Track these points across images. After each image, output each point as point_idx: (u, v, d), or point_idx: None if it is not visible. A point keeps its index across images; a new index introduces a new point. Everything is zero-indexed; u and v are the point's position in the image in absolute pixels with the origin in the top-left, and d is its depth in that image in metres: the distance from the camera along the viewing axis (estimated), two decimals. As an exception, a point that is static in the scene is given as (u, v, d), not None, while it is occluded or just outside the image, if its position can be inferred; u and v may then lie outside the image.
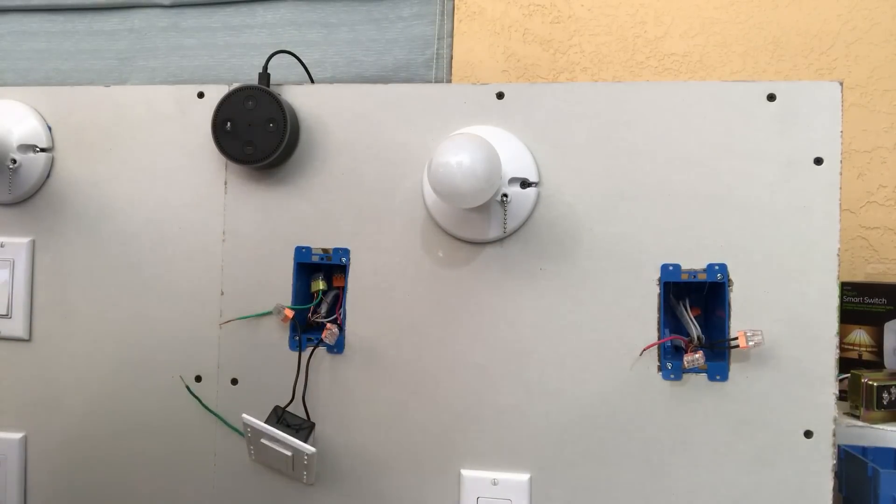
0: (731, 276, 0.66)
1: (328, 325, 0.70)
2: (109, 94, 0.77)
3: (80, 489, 0.76)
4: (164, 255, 0.73)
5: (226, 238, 0.74)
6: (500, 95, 0.70)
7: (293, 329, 0.72)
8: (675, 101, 0.68)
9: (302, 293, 0.73)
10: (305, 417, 0.70)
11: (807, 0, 1.08)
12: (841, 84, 0.65)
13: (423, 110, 0.71)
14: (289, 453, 0.67)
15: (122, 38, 1.10)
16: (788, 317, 0.65)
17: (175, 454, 0.74)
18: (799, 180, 0.66)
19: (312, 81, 0.85)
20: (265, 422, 0.67)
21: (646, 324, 0.67)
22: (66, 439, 0.75)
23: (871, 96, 1.06)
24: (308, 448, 0.66)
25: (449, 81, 1.04)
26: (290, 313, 0.70)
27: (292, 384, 0.70)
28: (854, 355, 0.96)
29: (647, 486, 0.67)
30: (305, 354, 0.71)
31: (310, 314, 0.73)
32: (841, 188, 0.65)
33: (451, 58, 1.05)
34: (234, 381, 0.73)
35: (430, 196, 0.69)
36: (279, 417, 0.69)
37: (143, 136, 0.76)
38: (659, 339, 0.67)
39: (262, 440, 0.67)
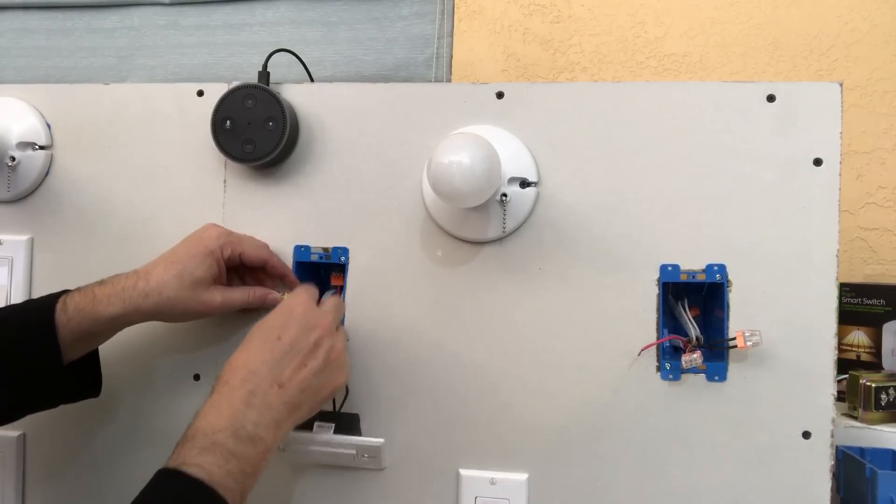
0: (730, 277, 0.66)
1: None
2: (109, 92, 0.77)
3: (78, 489, 0.76)
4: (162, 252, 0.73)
5: (225, 236, 0.74)
6: (499, 95, 0.70)
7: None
8: (674, 101, 0.68)
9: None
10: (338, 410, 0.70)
11: (807, 1, 1.08)
12: (840, 85, 0.65)
13: (423, 109, 0.71)
14: (352, 451, 0.68)
15: (122, 36, 1.10)
16: (787, 317, 0.65)
17: (173, 452, 0.74)
18: (798, 181, 0.66)
19: (312, 80, 0.85)
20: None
21: (644, 324, 0.67)
22: (64, 438, 0.75)
23: (871, 97, 1.06)
24: (376, 441, 0.67)
25: (449, 81, 1.04)
26: None
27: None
28: (852, 356, 0.96)
29: (644, 485, 0.67)
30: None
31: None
32: (840, 189, 0.65)
33: (451, 57, 1.05)
34: (233, 380, 0.73)
35: (429, 195, 0.69)
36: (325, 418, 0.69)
37: (142, 134, 0.76)
38: (657, 339, 0.67)
39: (316, 447, 0.68)
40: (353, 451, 0.68)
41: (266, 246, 0.71)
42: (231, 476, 0.50)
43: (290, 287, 0.71)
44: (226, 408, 0.53)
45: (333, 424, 0.68)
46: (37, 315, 0.61)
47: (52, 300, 0.62)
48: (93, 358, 0.66)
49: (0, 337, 0.60)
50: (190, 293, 0.63)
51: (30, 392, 0.62)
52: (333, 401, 0.70)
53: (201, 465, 0.50)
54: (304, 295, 0.62)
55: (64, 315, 0.61)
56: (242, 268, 0.70)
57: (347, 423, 0.69)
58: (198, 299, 0.64)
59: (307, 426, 0.68)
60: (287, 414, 0.56)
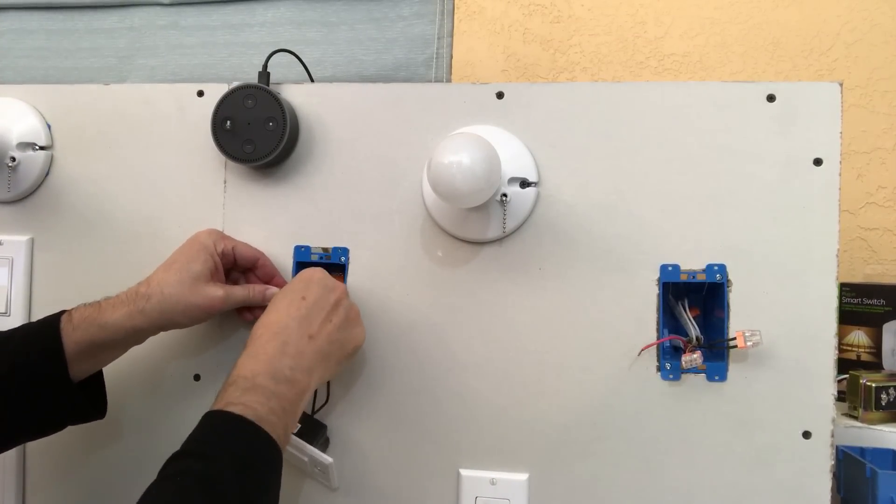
0: (730, 277, 0.66)
1: None
2: (109, 93, 0.77)
3: (78, 489, 0.76)
4: (163, 254, 0.73)
5: (225, 237, 0.74)
6: (499, 95, 0.70)
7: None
8: (675, 101, 0.68)
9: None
10: (310, 414, 0.70)
11: (807, 0, 1.08)
12: (840, 85, 0.65)
13: (423, 110, 0.71)
14: (305, 458, 0.67)
15: (122, 37, 1.10)
16: (787, 317, 0.65)
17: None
18: (798, 181, 0.66)
19: (312, 80, 0.85)
20: None
21: (644, 324, 0.67)
22: (64, 438, 0.75)
23: (871, 97, 1.06)
24: (325, 458, 0.67)
25: (449, 81, 1.04)
26: None
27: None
28: (852, 356, 0.96)
29: (645, 486, 0.67)
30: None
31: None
32: (840, 189, 0.65)
33: (451, 57, 1.05)
34: (233, 380, 0.73)
35: (429, 195, 0.69)
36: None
37: (142, 134, 0.76)
38: (658, 339, 0.67)
39: None
40: (307, 460, 0.67)
41: (258, 249, 0.71)
42: (273, 413, 0.54)
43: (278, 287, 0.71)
44: (262, 356, 0.57)
45: (300, 426, 0.68)
46: (42, 327, 0.62)
47: (57, 314, 0.62)
48: (98, 379, 0.66)
49: (5, 352, 0.60)
50: (191, 288, 0.64)
51: (36, 409, 0.61)
52: (314, 403, 0.70)
53: (245, 403, 0.53)
54: (317, 268, 0.66)
55: (69, 325, 0.61)
56: (237, 273, 0.71)
57: (312, 430, 0.68)
58: (200, 293, 0.64)
59: None
60: (318, 362, 0.60)
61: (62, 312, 0.62)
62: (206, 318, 0.66)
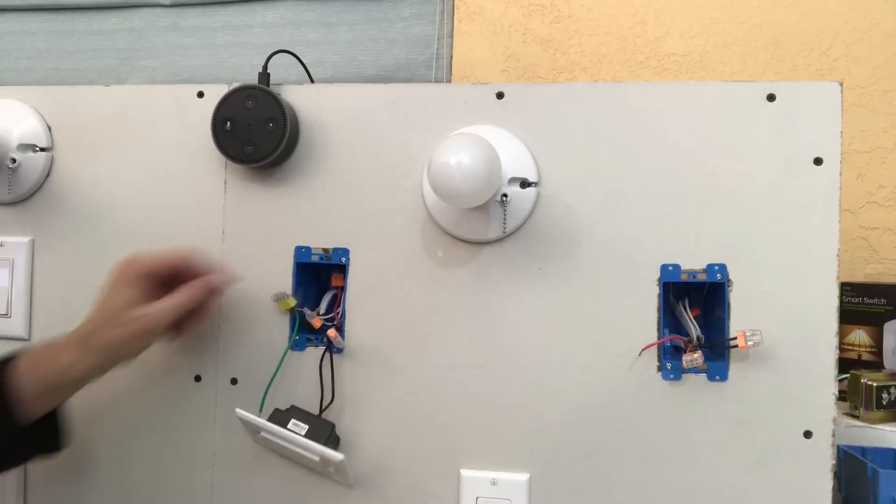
0: (731, 277, 0.66)
1: (333, 330, 0.69)
2: (109, 94, 0.77)
3: (78, 489, 0.76)
4: (163, 255, 0.73)
5: (225, 238, 0.74)
6: (500, 95, 0.70)
7: (293, 329, 0.72)
8: (675, 101, 0.68)
9: (302, 293, 0.73)
10: (317, 414, 0.70)
11: (807, 0, 1.08)
12: (841, 84, 0.65)
13: (423, 110, 0.71)
14: (316, 458, 0.67)
15: (122, 38, 1.10)
16: (788, 317, 0.65)
17: (174, 454, 0.74)
18: (798, 180, 0.66)
19: (312, 81, 0.85)
20: (286, 425, 0.68)
21: (645, 324, 0.67)
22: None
23: (871, 96, 1.06)
24: (336, 455, 0.66)
25: (449, 81, 1.04)
26: (291, 302, 0.70)
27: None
28: (853, 355, 0.96)
29: (645, 485, 0.67)
30: (317, 354, 0.71)
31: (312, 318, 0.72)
32: (841, 188, 0.65)
33: (451, 57, 1.05)
34: (234, 381, 0.73)
35: (429, 196, 0.69)
36: (294, 417, 0.69)
37: (142, 135, 0.76)
38: (658, 338, 0.67)
39: (281, 442, 0.67)
40: (318, 459, 0.67)
41: (178, 250, 0.68)
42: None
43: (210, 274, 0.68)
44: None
45: (307, 426, 0.68)
46: None
47: (12, 353, 0.61)
48: (54, 416, 0.64)
49: None
50: (123, 326, 0.62)
51: None
52: (321, 404, 0.70)
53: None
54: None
55: (21, 367, 0.60)
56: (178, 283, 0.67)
57: (320, 430, 0.68)
58: (132, 327, 0.62)
59: (283, 423, 0.68)
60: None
61: (16, 353, 0.61)
62: (154, 341, 0.65)
